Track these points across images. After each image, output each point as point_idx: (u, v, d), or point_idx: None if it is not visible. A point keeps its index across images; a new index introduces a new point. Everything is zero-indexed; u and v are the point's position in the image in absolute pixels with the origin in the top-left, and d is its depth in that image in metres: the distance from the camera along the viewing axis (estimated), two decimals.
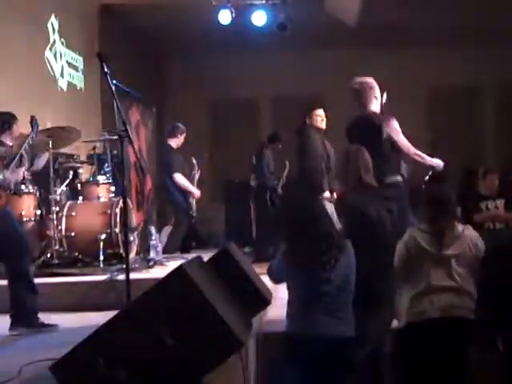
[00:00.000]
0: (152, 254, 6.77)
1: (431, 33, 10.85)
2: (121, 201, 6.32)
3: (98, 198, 6.82)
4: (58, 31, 8.39)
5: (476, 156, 12.06)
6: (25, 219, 6.02)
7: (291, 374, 3.77)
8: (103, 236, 6.40)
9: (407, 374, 4.10)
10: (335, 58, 11.73)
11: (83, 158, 7.50)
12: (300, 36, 10.34)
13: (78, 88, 9.07)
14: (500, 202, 7.15)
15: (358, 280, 3.92)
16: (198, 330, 2.80)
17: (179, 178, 8.28)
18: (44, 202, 6.43)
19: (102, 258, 6.31)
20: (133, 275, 4.50)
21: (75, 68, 8.97)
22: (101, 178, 6.95)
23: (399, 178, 5.45)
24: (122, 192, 5.20)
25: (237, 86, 12.34)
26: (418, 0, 9.75)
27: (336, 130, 7.22)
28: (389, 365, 4.21)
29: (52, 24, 8.27)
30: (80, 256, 6.46)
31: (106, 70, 4.18)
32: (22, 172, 4.91)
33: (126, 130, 4.25)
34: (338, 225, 4.94)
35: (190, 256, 5.47)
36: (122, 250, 6.35)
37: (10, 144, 5.14)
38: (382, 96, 5.61)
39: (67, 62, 8.70)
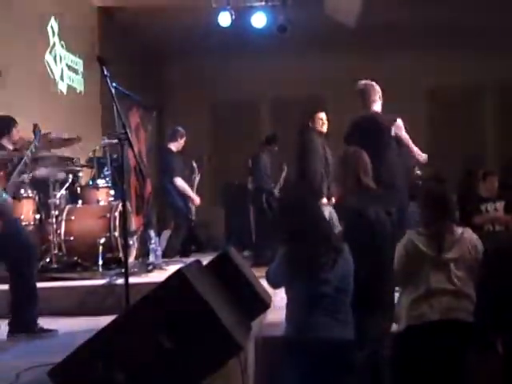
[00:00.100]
0: (151, 258, 6.77)
1: (431, 33, 10.86)
2: (120, 204, 6.31)
3: (98, 201, 6.81)
4: (58, 34, 8.39)
5: (476, 157, 12.08)
6: (24, 223, 5.99)
7: (291, 378, 3.77)
8: (102, 240, 6.38)
9: (407, 377, 4.08)
10: (335, 59, 11.73)
11: (83, 161, 7.50)
12: (300, 38, 10.35)
13: (78, 91, 9.08)
14: (500, 204, 7.15)
15: (357, 282, 3.91)
16: (197, 333, 2.80)
17: (180, 182, 8.29)
18: (43, 206, 6.42)
19: (101, 262, 6.28)
20: (132, 279, 4.49)
21: (75, 71, 8.97)
22: (100, 182, 6.95)
23: (399, 179, 5.61)
24: (121, 196, 5.19)
25: (237, 88, 12.35)
26: (418, 0, 9.76)
27: (335, 132, 7.25)
28: (388, 368, 4.20)
29: (52, 27, 8.28)
30: (79, 260, 6.44)
31: (105, 73, 4.17)
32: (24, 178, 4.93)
33: (126, 133, 4.23)
34: (338, 228, 4.96)
35: (190, 260, 5.46)
36: (121, 254, 6.35)
37: (11, 147, 5.14)
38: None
39: (67, 65, 8.70)
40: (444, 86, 12.38)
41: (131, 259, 6.67)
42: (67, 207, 6.59)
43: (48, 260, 6.27)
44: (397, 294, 4.32)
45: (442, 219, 4.11)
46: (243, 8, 9.83)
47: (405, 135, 5.85)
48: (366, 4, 9.58)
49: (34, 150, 4.87)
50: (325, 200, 6.95)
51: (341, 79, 9.74)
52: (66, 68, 8.65)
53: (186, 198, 8.37)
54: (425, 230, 4.12)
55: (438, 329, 3.94)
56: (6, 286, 4.71)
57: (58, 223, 6.40)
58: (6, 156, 4.90)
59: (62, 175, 6.62)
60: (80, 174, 7.02)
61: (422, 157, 6.01)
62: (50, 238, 6.31)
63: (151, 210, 10.11)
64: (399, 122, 5.81)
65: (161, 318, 2.79)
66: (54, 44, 8.32)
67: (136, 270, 6.32)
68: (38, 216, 6.27)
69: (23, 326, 4.52)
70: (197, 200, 8.48)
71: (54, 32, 8.31)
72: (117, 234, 6.46)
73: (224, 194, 11.38)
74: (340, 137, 6.06)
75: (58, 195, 6.51)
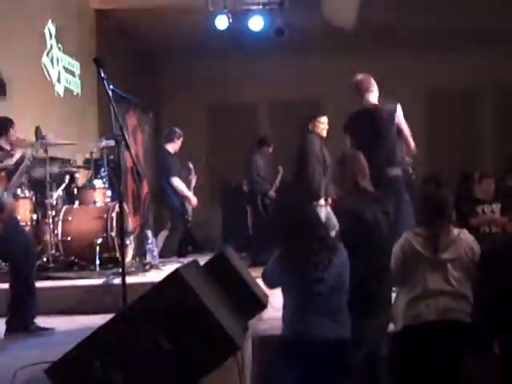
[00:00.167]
0: (148, 258, 6.79)
1: (431, 35, 10.87)
2: (117, 205, 6.32)
3: (95, 202, 6.82)
4: (55, 37, 8.38)
5: (474, 158, 12.11)
6: (21, 223, 6.01)
7: (287, 377, 3.77)
8: (99, 240, 6.39)
9: (404, 377, 4.09)
10: (334, 62, 11.72)
11: (80, 162, 7.50)
12: (298, 40, 10.36)
13: (75, 93, 9.07)
14: (496, 206, 7.17)
15: (354, 283, 3.93)
16: (194, 333, 2.80)
17: (177, 182, 8.29)
18: (40, 207, 6.44)
19: (98, 262, 6.30)
20: (129, 279, 4.49)
21: (72, 73, 8.97)
22: (97, 183, 6.95)
23: (399, 171, 5.74)
24: (118, 196, 5.20)
25: (234, 90, 12.36)
26: (418, 2, 9.78)
27: (333, 134, 7.27)
28: (385, 368, 4.21)
29: (49, 29, 8.27)
30: (76, 260, 6.45)
31: (102, 75, 4.17)
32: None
33: (123, 134, 4.24)
34: (335, 229, 4.98)
35: (187, 260, 5.47)
36: (118, 254, 6.37)
37: (8, 148, 5.14)
38: None
39: (64, 67, 8.69)
40: (443, 88, 12.38)
41: (128, 259, 6.67)
42: (64, 208, 6.60)
43: (45, 260, 6.28)
44: (394, 294, 4.33)
45: (440, 221, 4.13)
46: (240, 11, 9.83)
47: (403, 121, 6.03)
48: (365, 6, 9.59)
49: (35, 153, 4.88)
50: (322, 201, 7.05)
51: (339, 82, 9.75)
52: (63, 70, 8.64)
53: (182, 198, 8.38)
54: (422, 231, 4.13)
55: (434, 329, 3.95)
56: (5, 285, 4.73)
57: (55, 223, 6.41)
58: (5, 157, 4.91)
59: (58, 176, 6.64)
60: (77, 175, 7.02)
61: (412, 145, 6.12)
62: (47, 238, 6.31)
63: (148, 211, 10.12)
64: (399, 109, 6.00)
65: (158, 317, 2.79)
66: (51, 46, 8.31)
67: (133, 269, 6.33)
68: (34, 216, 6.28)
69: (21, 324, 4.53)
70: (194, 200, 8.48)
71: (51, 34, 8.29)
72: (114, 234, 6.47)
73: (221, 195, 11.39)
74: (338, 139, 6.09)
75: (55, 196, 6.52)
